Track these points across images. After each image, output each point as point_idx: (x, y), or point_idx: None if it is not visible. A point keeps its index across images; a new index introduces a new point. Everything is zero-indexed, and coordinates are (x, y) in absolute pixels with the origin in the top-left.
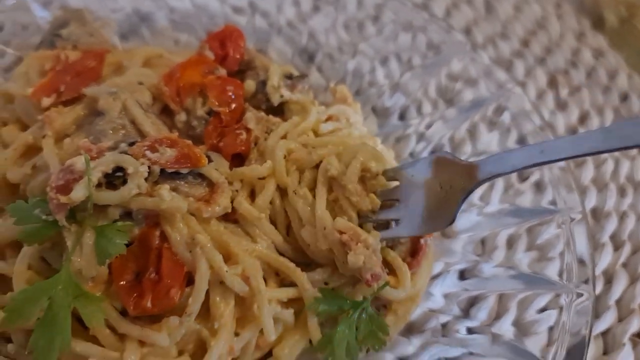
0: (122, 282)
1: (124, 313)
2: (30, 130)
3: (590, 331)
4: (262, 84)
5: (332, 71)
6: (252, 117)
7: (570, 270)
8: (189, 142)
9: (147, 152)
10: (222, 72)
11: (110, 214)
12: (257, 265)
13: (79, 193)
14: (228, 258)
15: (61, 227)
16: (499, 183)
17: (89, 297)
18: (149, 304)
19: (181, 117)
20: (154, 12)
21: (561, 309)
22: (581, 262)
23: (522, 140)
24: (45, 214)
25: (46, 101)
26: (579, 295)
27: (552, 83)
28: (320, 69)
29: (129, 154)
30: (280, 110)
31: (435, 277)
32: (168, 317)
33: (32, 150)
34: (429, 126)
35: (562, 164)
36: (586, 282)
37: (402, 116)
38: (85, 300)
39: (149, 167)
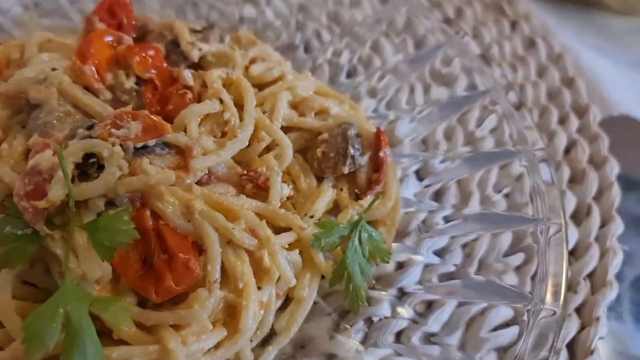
0: (132, 274)
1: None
2: None
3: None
4: (173, 44)
5: (221, 20)
6: (188, 74)
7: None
8: (146, 111)
9: (113, 130)
10: (129, 39)
11: (93, 207)
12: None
13: (57, 192)
14: (226, 217)
15: (43, 237)
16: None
17: (104, 300)
18: (172, 284)
19: (106, 95)
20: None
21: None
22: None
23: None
24: (19, 229)
25: None
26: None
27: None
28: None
29: (94, 137)
30: (199, 66)
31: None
32: (194, 292)
33: None
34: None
35: None
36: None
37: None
38: (103, 304)
39: (121, 146)
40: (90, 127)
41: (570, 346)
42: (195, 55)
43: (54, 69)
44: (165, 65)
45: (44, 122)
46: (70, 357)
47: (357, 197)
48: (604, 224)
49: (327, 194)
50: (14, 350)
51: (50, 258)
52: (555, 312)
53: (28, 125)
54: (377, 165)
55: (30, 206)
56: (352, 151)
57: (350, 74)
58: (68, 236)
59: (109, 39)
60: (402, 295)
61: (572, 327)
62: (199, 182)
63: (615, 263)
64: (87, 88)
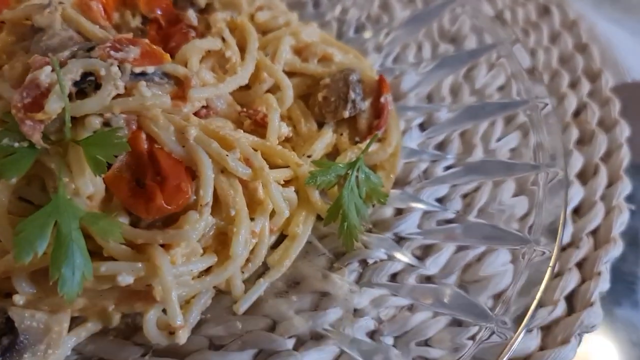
0: (124, 192)
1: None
2: None
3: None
4: None
5: None
6: (193, 14)
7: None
8: (146, 40)
9: (112, 52)
10: None
11: (89, 125)
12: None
13: (54, 105)
14: (221, 145)
15: (39, 151)
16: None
17: (95, 215)
18: (163, 203)
19: (111, 33)
20: None
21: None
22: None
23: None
24: (16, 142)
25: None
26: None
27: None
28: None
29: (93, 58)
30: (206, 13)
31: (402, 135)
32: (185, 214)
33: None
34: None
35: None
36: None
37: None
38: (93, 218)
39: (118, 67)
40: (90, 49)
41: (570, 299)
42: (202, 1)
43: (61, 2)
44: (171, 5)
45: (46, 44)
46: (59, 266)
47: (357, 143)
48: (611, 184)
49: (327, 136)
50: (7, 261)
51: (46, 174)
52: (544, 253)
53: (31, 48)
54: (378, 111)
55: (28, 118)
56: (352, 95)
57: (358, 31)
58: (63, 151)
59: None
60: (400, 239)
61: (572, 280)
62: (197, 115)
63: (621, 221)
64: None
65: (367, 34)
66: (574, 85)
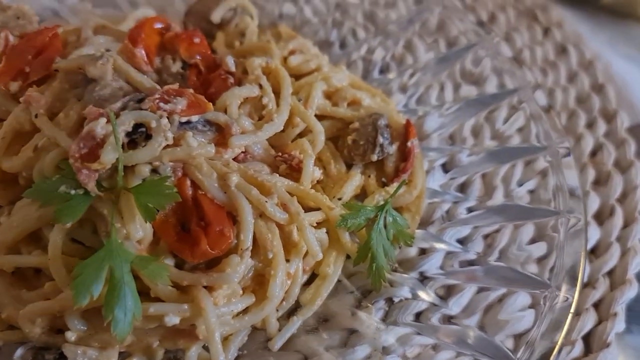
0: (171, 237)
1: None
2: (13, 115)
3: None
4: None
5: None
6: (231, 60)
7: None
8: (190, 89)
9: (161, 104)
10: (177, 28)
11: (139, 172)
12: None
13: (109, 155)
14: (260, 191)
15: (93, 198)
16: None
17: (144, 259)
18: (208, 248)
19: (153, 78)
20: None
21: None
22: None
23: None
24: (72, 189)
25: (14, 85)
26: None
27: None
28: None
29: (144, 109)
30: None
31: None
32: (227, 258)
33: (20, 136)
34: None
35: None
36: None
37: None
38: (143, 262)
39: (167, 118)
40: (140, 100)
41: (587, 339)
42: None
43: (107, 50)
44: (209, 51)
45: (99, 95)
46: (112, 307)
47: (384, 185)
48: (626, 225)
49: (356, 179)
50: (62, 300)
51: (98, 218)
52: (567, 299)
53: (84, 98)
54: (404, 154)
55: (84, 167)
56: (381, 140)
57: (383, 71)
58: (115, 198)
59: (159, 26)
60: (424, 279)
61: (589, 320)
62: (236, 159)
63: (636, 262)
64: (136, 70)
65: (392, 74)
66: (590, 125)
